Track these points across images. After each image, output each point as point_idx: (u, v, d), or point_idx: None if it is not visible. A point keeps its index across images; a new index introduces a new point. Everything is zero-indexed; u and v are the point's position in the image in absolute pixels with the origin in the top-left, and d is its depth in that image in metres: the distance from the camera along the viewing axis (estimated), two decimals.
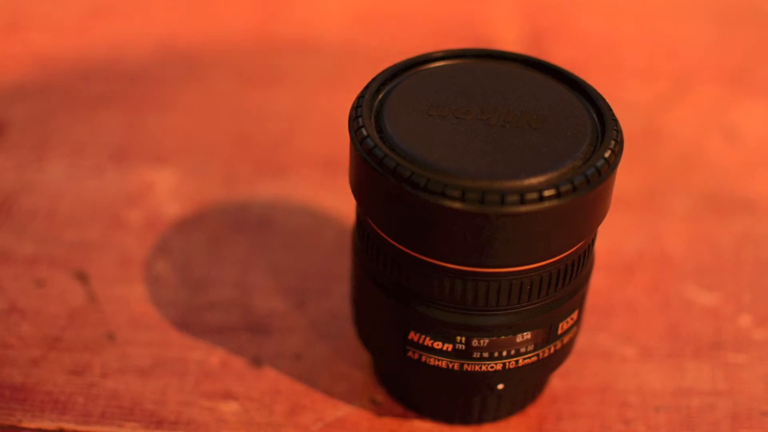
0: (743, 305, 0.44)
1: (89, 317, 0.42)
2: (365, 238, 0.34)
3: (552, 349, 0.35)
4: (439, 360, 0.34)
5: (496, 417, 0.38)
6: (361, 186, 0.33)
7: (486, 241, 0.31)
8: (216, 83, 0.56)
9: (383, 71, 0.35)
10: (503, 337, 0.33)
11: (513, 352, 0.34)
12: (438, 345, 0.34)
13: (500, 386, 0.35)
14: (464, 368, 0.34)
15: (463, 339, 0.33)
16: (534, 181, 0.30)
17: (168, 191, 0.49)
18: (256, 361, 0.41)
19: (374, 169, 0.31)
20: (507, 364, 0.34)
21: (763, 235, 0.47)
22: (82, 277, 0.44)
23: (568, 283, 0.34)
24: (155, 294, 0.43)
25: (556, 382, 0.40)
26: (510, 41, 0.59)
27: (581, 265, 0.34)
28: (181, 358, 0.41)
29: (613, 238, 0.46)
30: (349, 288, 0.42)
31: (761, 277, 0.45)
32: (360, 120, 0.33)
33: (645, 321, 0.43)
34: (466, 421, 0.38)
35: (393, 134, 0.32)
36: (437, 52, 0.36)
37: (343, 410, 0.39)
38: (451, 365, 0.34)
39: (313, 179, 0.50)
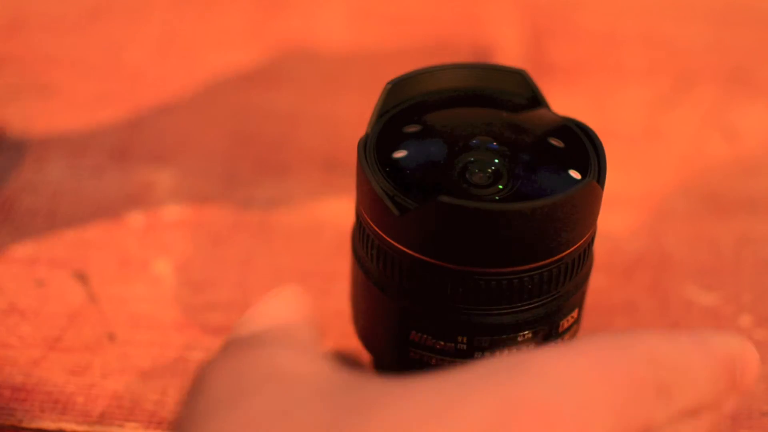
0: (743, 305, 0.44)
1: (89, 317, 0.42)
2: (365, 238, 0.35)
3: None
4: (440, 359, 0.34)
5: None
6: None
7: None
8: (216, 83, 0.56)
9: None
10: (504, 336, 0.33)
11: (514, 350, 0.34)
12: (440, 345, 0.34)
13: None
14: None
15: (465, 338, 0.33)
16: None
17: (168, 191, 0.49)
18: None
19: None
20: None
21: (763, 235, 0.47)
22: (82, 277, 0.44)
23: (569, 282, 0.34)
24: (155, 294, 0.43)
25: None
26: (510, 41, 0.59)
27: (581, 263, 0.34)
28: (181, 358, 0.41)
29: (613, 238, 0.46)
30: (349, 288, 0.42)
31: (761, 277, 0.45)
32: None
33: (645, 321, 0.43)
34: None
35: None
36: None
37: None
38: (452, 365, 0.34)
39: (313, 179, 0.50)
